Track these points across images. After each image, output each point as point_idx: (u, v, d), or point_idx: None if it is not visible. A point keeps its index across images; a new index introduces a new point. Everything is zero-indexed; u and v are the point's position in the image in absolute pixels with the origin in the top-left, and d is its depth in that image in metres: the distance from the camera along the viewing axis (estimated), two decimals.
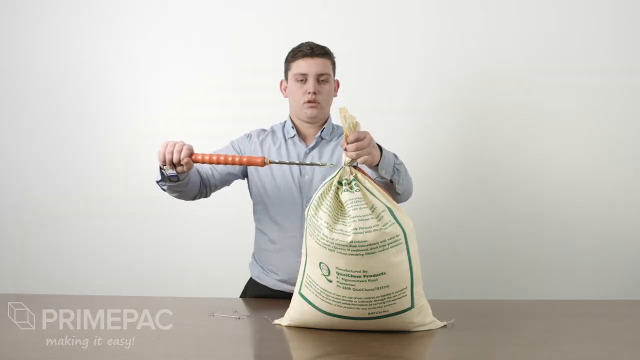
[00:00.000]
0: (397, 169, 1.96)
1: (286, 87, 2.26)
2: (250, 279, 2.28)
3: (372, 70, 2.81)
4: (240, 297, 2.29)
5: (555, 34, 2.80)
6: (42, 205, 2.87)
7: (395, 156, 2.00)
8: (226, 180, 2.25)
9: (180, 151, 1.89)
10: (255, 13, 2.87)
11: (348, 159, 1.68)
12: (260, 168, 2.19)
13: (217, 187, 2.24)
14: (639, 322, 1.88)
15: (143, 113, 2.88)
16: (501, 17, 2.82)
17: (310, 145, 2.23)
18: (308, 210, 1.63)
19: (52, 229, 2.86)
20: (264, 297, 2.18)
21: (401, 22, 2.83)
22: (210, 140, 2.82)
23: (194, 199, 2.19)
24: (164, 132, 2.86)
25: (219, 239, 2.83)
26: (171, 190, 2.09)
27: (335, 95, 2.27)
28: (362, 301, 1.55)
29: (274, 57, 2.81)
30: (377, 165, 1.86)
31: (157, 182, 2.06)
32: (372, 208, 1.57)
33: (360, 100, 2.64)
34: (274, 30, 2.85)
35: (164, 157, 1.91)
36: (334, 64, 2.24)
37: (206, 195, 2.22)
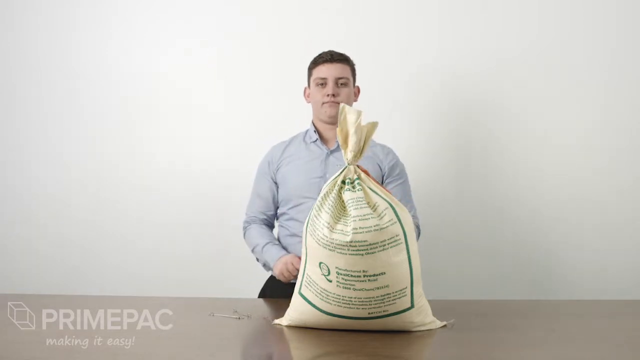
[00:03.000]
0: None
1: (309, 93, 2.37)
2: (271, 276, 2.31)
3: (371, 70, 2.81)
4: (259, 296, 2.32)
5: (557, 37, 2.80)
6: (42, 205, 2.87)
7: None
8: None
9: (294, 270, 2.12)
10: (255, 14, 2.87)
11: (350, 157, 1.66)
12: (286, 171, 2.31)
13: None
14: (639, 322, 1.88)
15: (145, 113, 2.88)
16: (502, 18, 2.81)
17: (332, 148, 2.32)
18: (311, 210, 1.63)
19: (52, 229, 2.86)
20: (284, 294, 2.18)
21: (401, 24, 2.83)
22: (214, 139, 2.85)
23: None
24: (166, 132, 2.87)
25: (220, 240, 2.82)
26: None
27: (356, 100, 2.38)
28: (362, 301, 1.55)
29: (273, 59, 2.82)
30: None
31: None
32: (374, 207, 1.57)
33: (360, 101, 2.64)
34: (272, 31, 2.85)
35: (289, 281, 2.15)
36: (353, 70, 2.37)
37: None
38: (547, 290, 2.75)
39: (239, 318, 1.77)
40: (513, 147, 2.80)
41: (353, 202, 1.57)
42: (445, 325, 1.66)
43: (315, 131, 2.35)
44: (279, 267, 2.17)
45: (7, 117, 2.91)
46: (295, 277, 2.13)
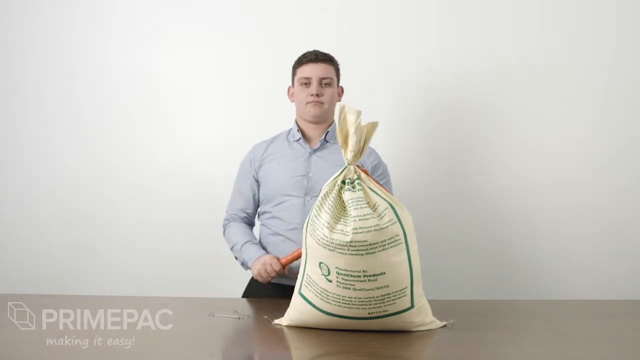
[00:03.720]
0: None
1: (293, 92, 2.37)
2: (252, 277, 2.30)
3: (371, 70, 2.81)
4: (242, 296, 2.30)
5: (557, 37, 2.80)
6: (42, 205, 2.87)
7: None
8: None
9: (273, 272, 2.14)
10: (255, 14, 2.87)
11: (350, 157, 1.66)
12: (268, 169, 2.32)
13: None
14: (639, 322, 1.88)
15: (145, 113, 2.88)
16: (502, 19, 2.81)
17: (315, 147, 2.32)
18: (311, 210, 1.63)
19: (52, 229, 2.86)
20: (266, 295, 2.21)
21: (401, 24, 2.83)
22: (214, 139, 2.85)
23: None
24: (166, 132, 2.87)
25: (220, 240, 2.81)
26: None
27: (339, 101, 2.36)
28: (362, 301, 1.55)
29: (273, 59, 2.82)
30: None
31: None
32: (374, 207, 1.57)
33: (359, 102, 2.65)
34: (272, 31, 2.85)
35: (267, 282, 2.18)
36: (337, 70, 2.36)
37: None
38: (547, 290, 2.75)
39: (239, 318, 1.77)
40: (513, 147, 2.80)
41: (353, 202, 1.57)
42: (445, 325, 1.66)
43: (298, 130, 2.35)
44: (257, 267, 2.18)
45: (7, 117, 2.90)
46: (273, 278, 2.16)
